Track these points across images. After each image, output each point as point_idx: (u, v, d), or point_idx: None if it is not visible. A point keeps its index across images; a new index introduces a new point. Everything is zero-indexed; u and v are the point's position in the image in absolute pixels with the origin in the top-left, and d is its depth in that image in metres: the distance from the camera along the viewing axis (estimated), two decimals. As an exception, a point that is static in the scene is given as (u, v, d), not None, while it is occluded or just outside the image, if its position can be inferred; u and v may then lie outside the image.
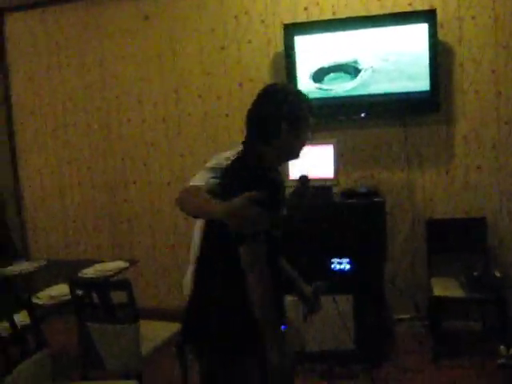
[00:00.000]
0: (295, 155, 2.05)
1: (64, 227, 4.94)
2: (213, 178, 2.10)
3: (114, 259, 4.44)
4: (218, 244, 1.91)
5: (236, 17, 4.26)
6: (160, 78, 4.50)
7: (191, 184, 2.08)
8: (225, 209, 1.73)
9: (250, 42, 4.25)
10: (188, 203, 1.96)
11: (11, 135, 4.96)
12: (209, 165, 2.20)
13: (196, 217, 2.11)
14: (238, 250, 1.80)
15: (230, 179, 1.93)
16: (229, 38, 4.30)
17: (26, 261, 3.99)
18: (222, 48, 4.32)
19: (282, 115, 1.93)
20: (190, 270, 2.32)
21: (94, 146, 4.77)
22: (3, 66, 4.88)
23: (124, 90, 4.61)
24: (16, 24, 4.87)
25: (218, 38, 4.33)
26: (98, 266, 3.52)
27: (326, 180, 3.71)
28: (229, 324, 1.88)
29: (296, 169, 3.76)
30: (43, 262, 3.82)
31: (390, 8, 3.92)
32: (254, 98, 2.00)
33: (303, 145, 2.05)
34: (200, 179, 2.13)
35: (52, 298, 2.97)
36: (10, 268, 3.68)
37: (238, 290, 1.82)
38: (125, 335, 2.90)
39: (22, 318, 2.61)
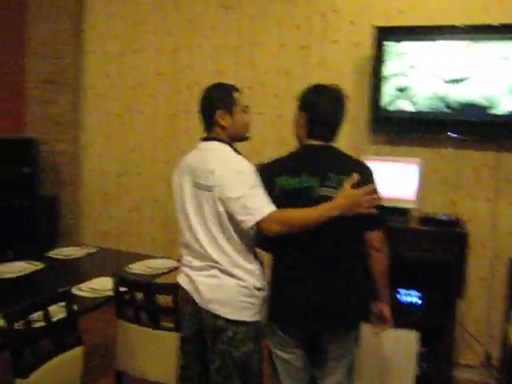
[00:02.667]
0: None
1: (120, 216, 4.78)
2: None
3: (165, 255, 4.27)
4: (346, 240, 2.21)
5: (323, 14, 3.97)
6: (235, 72, 4.26)
7: (268, 212, 2.12)
8: (338, 204, 2.09)
9: (335, 42, 3.94)
10: (292, 225, 2.13)
11: (77, 116, 4.84)
12: (252, 179, 2.19)
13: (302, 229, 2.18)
14: (366, 235, 2.22)
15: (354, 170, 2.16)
16: (313, 37, 4.00)
17: (77, 246, 3.84)
18: (304, 47, 4.03)
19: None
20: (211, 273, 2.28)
21: (159, 135, 4.59)
22: (78, 46, 4.76)
23: (195, 80, 4.40)
24: (94, 4, 4.74)
25: (301, 36, 4.04)
26: (147, 262, 3.32)
27: (404, 201, 3.36)
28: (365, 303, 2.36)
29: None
30: (93, 250, 3.64)
31: (495, 18, 3.51)
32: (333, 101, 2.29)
33: None
34: (266, 197, 2.17)
35: (94, 291, 2.77)
36: (56, 251, 3.52)
37: (362, 272, 2.28)
38: (165, 343, 2.67)
39: (59, 310, 2.41)
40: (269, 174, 2.22)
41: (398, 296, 3.28)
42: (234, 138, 2.34)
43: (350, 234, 2.20)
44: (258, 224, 2.11)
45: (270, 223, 2.11)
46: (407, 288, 3.29)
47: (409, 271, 3.31)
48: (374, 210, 2.14)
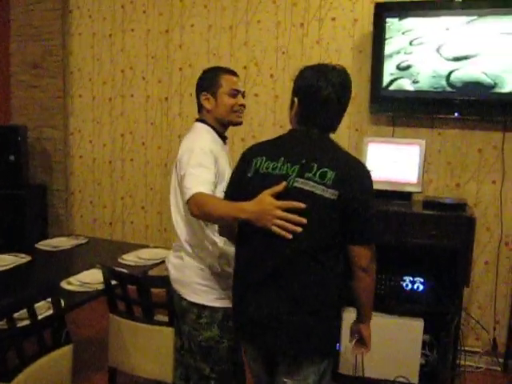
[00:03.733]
0: None
1: (112, 203, 4.63)
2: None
3: (160, 243, 4.14)
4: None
5: (321, -9, 3.79)
6: (229, 52, 4.08)
7: (194, 192, 1.99)
8: (247, 208, 1.81)
9: (333, 19, 3.77)
10: (206, 212, 1.96)
11: (66, 101, 4.67)
12: (199, 159, 2.09)
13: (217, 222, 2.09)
14: (351, 249, 1.84)
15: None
16: (310, 14, 3.82)
17: (66, 236, 3.71)
18: (302, 24, 3.86)
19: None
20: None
21: (152, 119, 4.42)
22: (64, 27, 4.57)
23: (188, 62, 4.23)
24: (81, -16, 4.55)
25: (298, 13, 3.86)
26: (139, 253, 3.18)
27: (407, 185, 3.23)
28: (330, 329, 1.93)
29: (375, 169, 3.33)
30: (83, 240, 3.50)
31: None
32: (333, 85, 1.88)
33: None
34: (204, 179, 2.05)
35: (84, 284, 2.63)
36: (44, 242, 3.38)
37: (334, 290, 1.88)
38: (160, 339, 2.54)
39: (47, 306, 2.28)
40: (249, 154, 1.99)
41: (402, 283, 3.16)
42: (222, 122, 2.31)
43: (327, 242, 1.80)
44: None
45: (191, 205, 1.99)
46: (411, 275, 3.17)
47: (413, 258, 3.20)
48: (285, 233, 1.75)
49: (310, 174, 1.79)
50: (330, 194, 1.77)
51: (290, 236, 1.74)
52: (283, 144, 1.95)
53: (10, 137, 4.34)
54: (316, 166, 1.80)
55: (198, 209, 1.96)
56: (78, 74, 4.63)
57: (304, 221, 1.75)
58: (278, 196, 1.79)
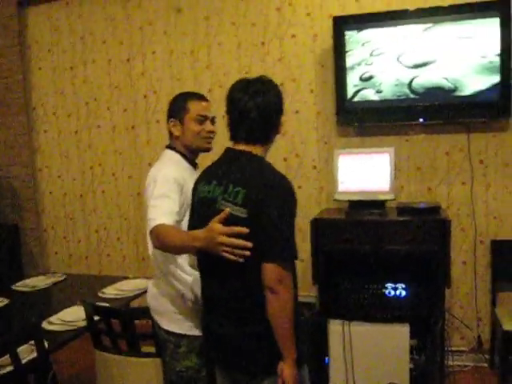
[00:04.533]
0: None
1: (86, 237, 4.57)
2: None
3: (139, 273, 4.09)
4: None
5: (279, 9, 3.84)
6: (193, 76, 4.10)
7: (155, 225, 1.96)
8: (199, 236, 1.78)
9: (293, 36, 3.82)
10: (164, 243, 1.94)
11: (30, 137, 4.61)
12: (162, 189, 2.07)
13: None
14: (262, 266, 1.73)
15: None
16: (270, 33, 3.87)
17: (43, 274, 3.63)
18: (263, 43, 3.90)
19: None
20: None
21: (120, 149, 4.39)
22: (24, 63, 4.53)
23: (152, 89, 4.22)
24: (38, 18, 4.51)
25: (258, 33, 3.90)
26: (120, 285, 3.14)
27: (380, 193, 3.27)
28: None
29: (347, 180, 3.37)
30: (61, 277, 3.44)
31: (452, -2, 3.45)
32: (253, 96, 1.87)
33: None
34: (166, 210, 2.02)
35: (66, 323, 2.57)
36: (20, 283, 3.31)
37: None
38: (149, 370, 2.49)
39: (29, 349, 2.22)
40: (196, 180, 2.02)
41: (384, 291, 3.19)
42: (190, 148, 2.29)
43: (251, 261, 1.74)
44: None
45: (152, 237, 1.99)
46: (393, 282, 3.20)
47: (393, 264, 3.23)
48: (233, 257, 1.71)
49: (227, 195, 1.81)
50: (240, 212, 1.76)
51: (241, 260, 1.71)
52: (217, 165, 1.95)
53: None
54: (232, 185, 1.81)
55: (158, 241, 1.96)
56: (41, 109, 4.58)
57: (249, 245, 1.71)
58: (210, 217, 1.79)
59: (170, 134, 2.30)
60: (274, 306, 1.73)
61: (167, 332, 2.23)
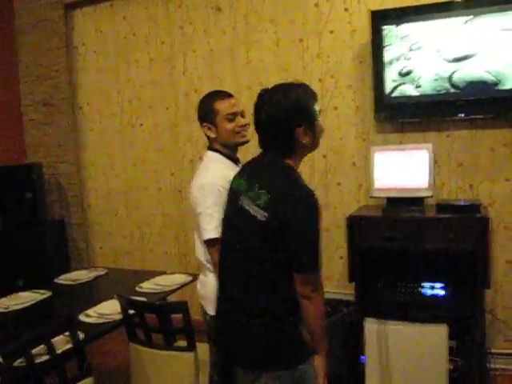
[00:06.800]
0: None
1: (129, 232, 4.68)
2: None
3: (180, 269, 4.16)
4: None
5: (317, 5, 3.82)
6: (233, 74, 4.13)
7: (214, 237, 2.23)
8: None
9: (331, 32, 3.79)
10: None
11: (77, 136, 4.76)
12: (210, 199, 2.23)
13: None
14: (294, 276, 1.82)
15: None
16: (308, 29, 3.85)
17: (86, 269, 3.75)
18: (301, 40, 3.88)
19: None
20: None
21: (162, 147, 4.47)
22: (71, 64, 4.68)
23: (193, 87, 4.28)
24: (83, 20, 4.65)
25: (296, 30, 3.89)
26: (156, 280, 3.20)
27: (418, 190, 3.20)
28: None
29: (384, 177, 3.32)
30: (102, 271, 3.54)
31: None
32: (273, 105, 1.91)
33: None
34: (217, 220, 2.19)
35: (102, 316, 2.65)
36: (64, 276, 3.43)
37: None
38: (181, 364, 2.54)
39: (65, 340, 2.30)
40: (234, 176, 2.10)
41: (421, 290, 3.13)
42: (229, 146, 2.39)
43: (263, 259, 1.84)
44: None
45: (208, 248, 2.27)
46: (430, 280, 3.13)
47: (430, 263, 3.16)
48: None
49: (251, 193, 1.87)
50: (260, 214, 1.80)
51: None
52: (250, 164, 2.04)
53: (26, 175, 4.43)
54: (257, 186, 1.85)
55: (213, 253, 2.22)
56: (87, 109, 4.73)
57: None
58: (232, 213, 1.96)
59: (207, 136, 2.40)
60: (311, 311, 1.84)
61: (211, 317, 2.28)
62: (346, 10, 3.73)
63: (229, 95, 2.38)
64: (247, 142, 2.39)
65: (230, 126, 2.33)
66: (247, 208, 1.86)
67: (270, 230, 1.79)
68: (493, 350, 3.31)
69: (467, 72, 3.33)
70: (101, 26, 4.59)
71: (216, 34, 4.16)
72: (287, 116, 1.85)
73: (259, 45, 4.02)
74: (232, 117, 2.33)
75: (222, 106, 2.32)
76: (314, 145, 1.95)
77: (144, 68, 4.47)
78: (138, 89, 4.51)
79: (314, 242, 1.80)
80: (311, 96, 1.93)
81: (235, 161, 2.40)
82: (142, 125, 4.52)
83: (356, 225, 3.18)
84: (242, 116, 2.38)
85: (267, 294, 1.84)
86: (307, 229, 1.79)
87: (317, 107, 1.93)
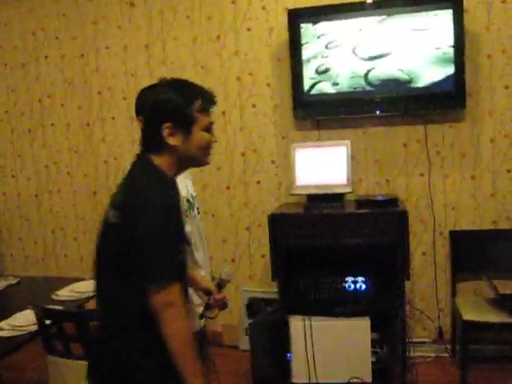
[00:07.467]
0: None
1: (42, 238, 4.44)
2: None
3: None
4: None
5: (234, 2, 3.79)
6: (148, 71, 4.01)
7: None
8: None
9: (249, 30, 3.77)
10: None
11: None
12: None
13: None
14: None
15: None
16: (226, 27, 3.82)
17: (-4, 278, 3.51)
18: (219, 37, 3.84)
19: None
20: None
21: (75, 147, 4.28)
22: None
23: (107, 85, 4.12)
24: (-13, 14, 4.37)
25: (213, 27, 3.84)
26: (74, 287, 3.05)
27: (338, 186, 3.25)
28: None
29: (305, 174, 3.34)
30: (14, 280, 3.32)
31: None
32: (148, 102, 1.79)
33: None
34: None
35: (15, 328, 2.48)
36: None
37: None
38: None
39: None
40: None
41: (344, 285, 3.17)
42: None
43: (114, 265, 1.65)
44: None
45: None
46: (353, 275, 3.18)
47: (352, 258, 3.21)
48: None
49: (114, 194, 1.70)
50: (112, 215, 1.62)
51: None
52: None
53: None
54: (120, 185, 1.69)
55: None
56: (-7, 108, 4.44)
57: None
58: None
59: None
60: (165, 330, 1.55)
61: None
62: (263, 8, 3.73)
63: None
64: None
65: None
66: (107, 210, 1.68)
67: (118, 231, 1.59)
68: (413, 340, 3.42)
69: (382, 70, 3.42)
70: (6, 19, 4.32)
71: (131, 30, 4.03)
72: (155, 108, 1.70)
73: (176, 42, 3.93)
74: None
75: None
76: (190, 153, 1.70)
77: (55, 65, 4.25)
78: (48, 87, 4.28)
79: (160, 248, 1.55)
80: (190, 98, 1.69)
81: None
82: (53, 124, 4.30)
83: (278, 223, 3.18)
84: None
85: (117, 310, 1.66)
86: (152, 233, 1.55)
87: (199, 114, 1.69)
